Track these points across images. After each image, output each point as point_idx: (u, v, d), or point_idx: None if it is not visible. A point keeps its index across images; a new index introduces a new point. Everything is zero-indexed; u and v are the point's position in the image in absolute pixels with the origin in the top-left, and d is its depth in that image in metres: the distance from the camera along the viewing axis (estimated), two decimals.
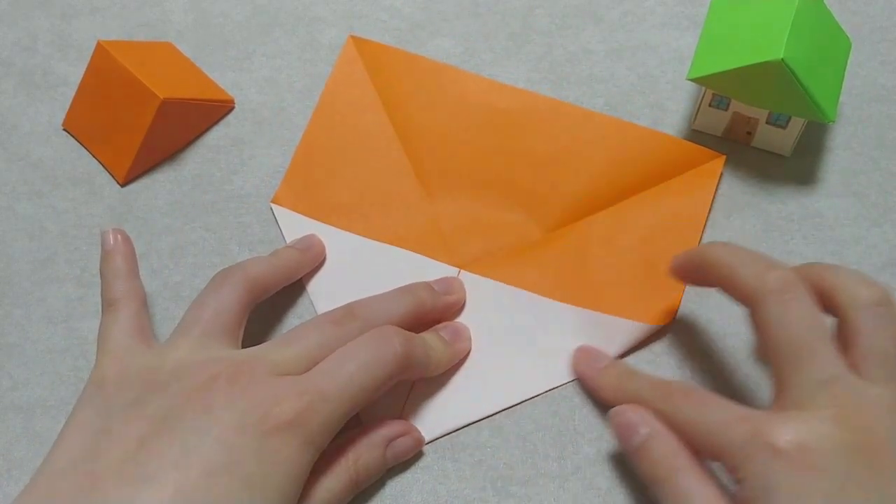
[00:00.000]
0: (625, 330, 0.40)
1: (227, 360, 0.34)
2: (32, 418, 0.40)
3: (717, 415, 0.33)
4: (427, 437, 0.39)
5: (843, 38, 0.42)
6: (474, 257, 0.43)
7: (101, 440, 0.32)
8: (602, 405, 0.39)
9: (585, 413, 0.40)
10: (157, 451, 0.31)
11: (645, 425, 0.34)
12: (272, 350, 0.35)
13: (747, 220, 0.43)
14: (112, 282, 0.38)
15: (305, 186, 0.44)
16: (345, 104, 0.46)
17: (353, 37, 0.47)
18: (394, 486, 0.38)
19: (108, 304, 0.38)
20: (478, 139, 0.44)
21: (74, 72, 0.48)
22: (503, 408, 0.39)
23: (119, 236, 0.39)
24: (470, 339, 0.40)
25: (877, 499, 0.29)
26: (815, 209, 0.43)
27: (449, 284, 0.41)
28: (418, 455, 0.39)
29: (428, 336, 0.39)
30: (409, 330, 0.37)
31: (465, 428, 0.39)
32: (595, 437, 0.39)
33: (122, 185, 0.45)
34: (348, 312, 0.37)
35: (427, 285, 0.40)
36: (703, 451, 0.33)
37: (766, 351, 0.34)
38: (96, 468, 0.31)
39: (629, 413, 0.35)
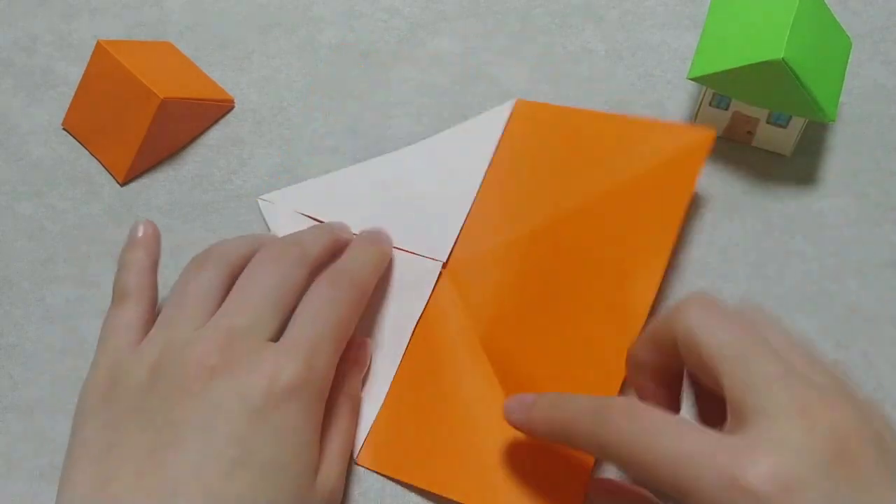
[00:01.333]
0: None
1: (213, 341, 0.33)
2: (32, 418, 0.40)
3: (674, 443, 0.28)
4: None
5: (844, 38, 0.42)
6: (459, 256, 0.42)
7: (111, 461, 0.32)
8: None
9: None
10: (171, 456, 0.31)
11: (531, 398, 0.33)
12: (246, 315, 0.34)
13: (747, 220, 0.43)
14: (128, 273, 0.37)
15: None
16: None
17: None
18: (394, 486, 0.38)
19: (118, 296, 0.37)
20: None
21: (74, 72, 0.48)
22: None
23: (150, 230, 0.39)
24: (390, 240, 0.42)
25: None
26: (816, 209, 0.43)
27: (373, 232, 0.42)
28: None
29: (358, 247, 0.40)
30: (334, 251, 0.39)
31: None
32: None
33: (122, 185, 0.45)
34: (283, 243, 0.38)
35: (341, 226, 0.42)
36: (659, 487, 0.28)
37: (703, 370, 0.30)
38: (111, 487, 0.31)
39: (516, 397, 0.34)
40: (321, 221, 0.43)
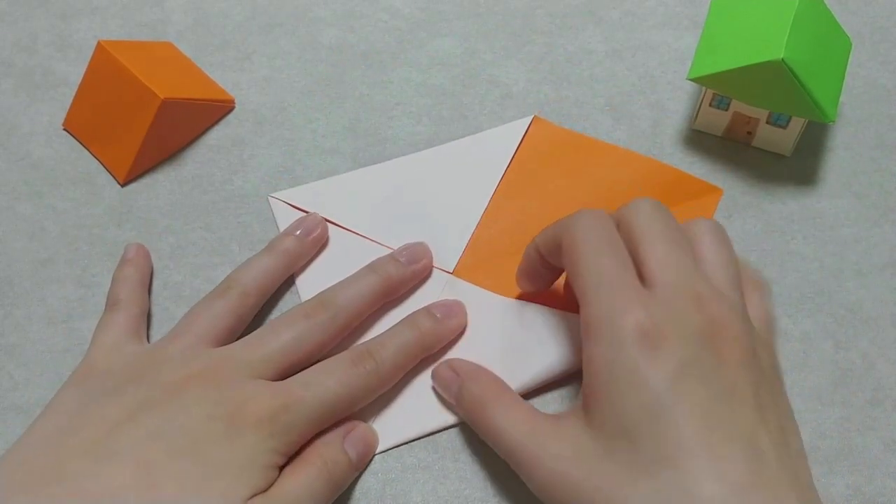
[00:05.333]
0: None
1: (204, 359, 0.36)
2: (32, 418, 0.40)
3: (607, 259, 0.32)
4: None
5: (844, 38, 0.43)
6: (467, 265, 0.42)
7: (75, 421, 0.34)
8: None
9: None
10: (126, 433, 0.33)
11: (456, 378, 0.37)
12: (246, 350, 0.36)
13: (747, 220, 0.43)
14: (119, 286, 0.41)
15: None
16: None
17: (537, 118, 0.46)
18: (394, 486, 0.38)
19: (110, 304, 0.40)
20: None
21: (74, 72, 0.48)
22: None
23: (141, 251, 0.42)
24: (465, 313, 0.40)
25: (715, 387, 0.30)
26: (815, 209, 0.43)
27: (413, 252, 0.41)
28: (419, 455, 0.39)
29: (410, 323, 0.39)
30: (384, 302, 0.40)
31: (466, 427, 0.39)
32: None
33: (123, 185, 0.45)
34: (319, 303, 0.38)
35: (391, 258, 0.41)
36: (574, 286, 0.33)
37: (629, 243, 0.33)
38: (66, 445, 0.33)
39: (442, 369, 0.38)
40: (331, 222, 0.43)
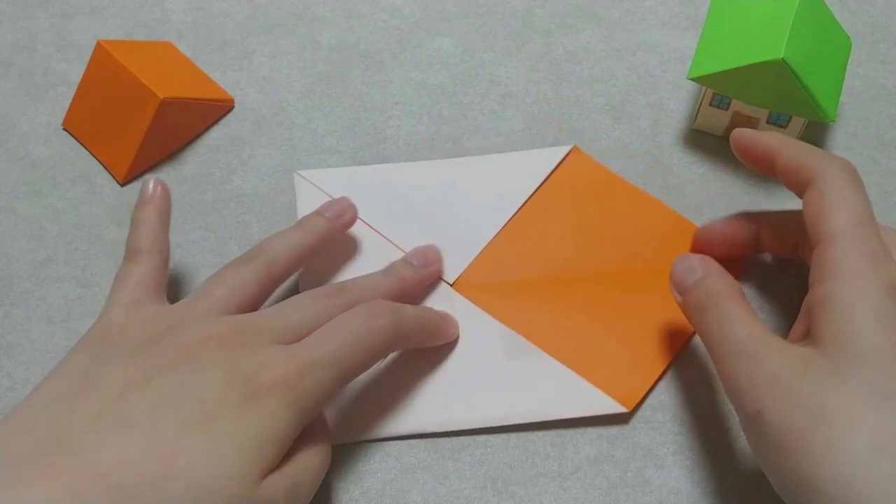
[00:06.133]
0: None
1: (223, 323, 0.35)
2: None
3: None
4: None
5: (844, 38, 0.42)
6: (469, 281, 0.42)
7: (86, 381, 0.33)
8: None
9: None
10: (137, 398, 0.32)
11: (702, 267, 0.36)
12: (268, 318, 0.35)
13: None
14: (139, 231, 0.39)
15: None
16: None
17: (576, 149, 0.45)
18: (394, 486, 0.38)
19: (130, 253, 0.38)
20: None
21: (74, 71, 0.48)
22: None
23: (159, 187, 0.40)
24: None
25: None
26: None
27: (425, 255, 0.41)
28: (418, 455, 0.39)
29: (424, 307, 0.40)
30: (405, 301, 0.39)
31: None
32: (595, 437, 0.39)
33: (122, 185, 0.45)
34: (340, 288, 0.37)
35: (405, 262, 0.41)
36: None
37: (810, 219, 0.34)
38: (75, 406, 0.32)
39: (691, 258, 0.37)
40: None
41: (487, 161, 0.45)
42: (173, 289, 0.43)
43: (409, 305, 0.38)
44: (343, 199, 0.42)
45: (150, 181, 0.40)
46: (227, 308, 0.36)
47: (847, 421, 0.29)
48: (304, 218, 0.41)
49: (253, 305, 0.37)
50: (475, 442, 0.39)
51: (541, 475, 0.38)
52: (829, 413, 0.29)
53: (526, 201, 0.44)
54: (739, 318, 0.33)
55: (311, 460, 0.34)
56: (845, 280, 0.31)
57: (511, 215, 0.43)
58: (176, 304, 0.37)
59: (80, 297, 0.43)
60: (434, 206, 0.44)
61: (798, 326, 0.34)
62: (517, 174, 0.44)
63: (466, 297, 0.42)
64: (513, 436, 0.39)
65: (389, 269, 0.40)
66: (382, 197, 0.44)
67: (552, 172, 0.44)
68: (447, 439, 0.39)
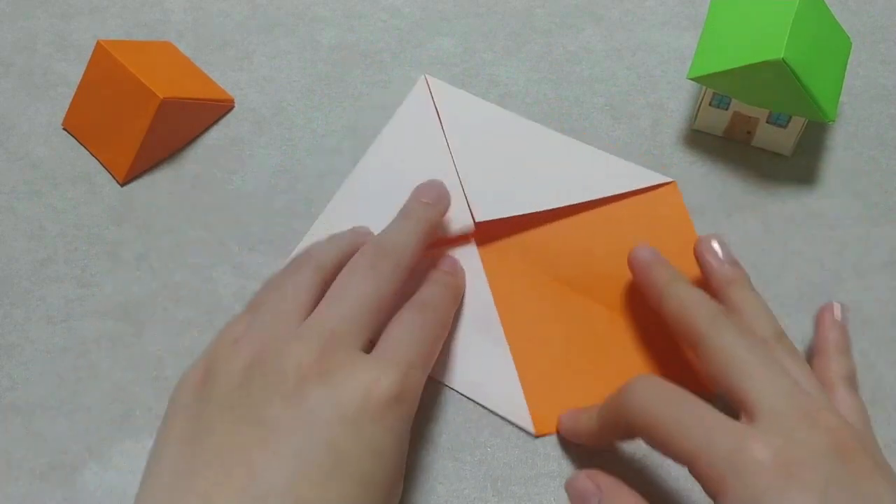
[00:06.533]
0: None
1: (305, 344, 0.33)
2: (32, 418, 0.40)
3: (693, 411, 0.32)
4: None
5: (844, 38, 0.42)
6: (495, 237, 0.43)
7: (197, 452, 0.31)
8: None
9: None
10: (263, 462, 0.30)
11: (596, 494, 0.33)
12: (330, 319, 0.34)
13: (747, 219, 0.43)
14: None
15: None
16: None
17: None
18: None
19: (250, 308, 0.37)
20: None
21: (74, 71, 0.48)
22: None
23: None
24: (462, 270, 0.42)
25: (859, 499, 0.29)
26: (816, 209, 0.43)
27: (435, 191, 0.41)
28: (419, 455, 0.39)
29: (439, 282, 0.40)
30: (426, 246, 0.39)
31: (466, 427, 0.39)
32: None
33: (122, 185, 0.45)
34: (377, 251, 0.36)
35: (419, 202, 0.40)
36: (672, 450, 0.32)
37: (718, 376, 0.34)
38: (203, 487, 0.30)
39: (581, 481, 0.34)
40: (443, 133, 0.45)
41: (589, 153, 0.45)
42: (173, 289, 0.43)
43: (439, 289, 0.39)
44: (438, 183, 0.41)
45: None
46: (299, 318, 0.35)
47: None
48: (407, 207, 0.40)
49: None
50: (475, 442, 0.39)
51: (541, 475, 0.38)
52: None
53: (587, 202, 0.43)
54: None
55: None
56: (731, 499, 0.30)
57: (565, 203, 0.43)
58: (250, 332, 0.34)
59: (80, 297, 0.43)
60: (511, 160, 0.44)
61: None
62: (606, 175, 0.44)
63: (480, 253, 0.42)
64: (513, 436, 0.39)
65: (407, 213, 0.39)
66: (480, 131, 0.45)
67: (637, 193, 0.44)
68: (447, 439, 0.39)
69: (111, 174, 0.45)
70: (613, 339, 0.41)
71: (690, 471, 0.31)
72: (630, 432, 0.34)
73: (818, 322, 0.39)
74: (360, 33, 0.49)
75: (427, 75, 0.47)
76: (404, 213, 0.39)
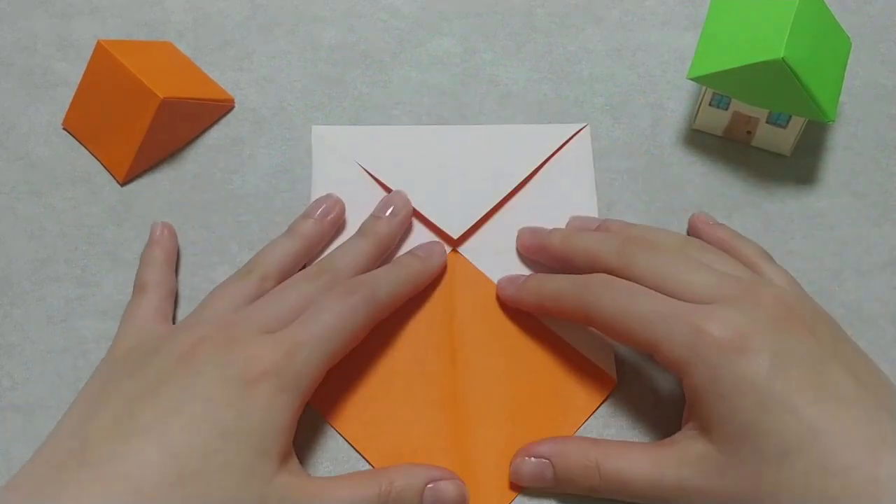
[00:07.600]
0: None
1: (213, 323, 0.36)
2: (32, 418, 0.40)
3: (648, 305, 0.35)
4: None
5: (843, 38, 0.43)
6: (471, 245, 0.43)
7: (96, 406, 0.34)
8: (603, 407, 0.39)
9: None
10: (145, 407, 0.33)
11: (546, 463, 0.36)
12: (255, 310, 0.37)
13: (747, 219, 0.43)
14: (146, 269, 0.41)
15: None
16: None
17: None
18: None
19: (138, 288, 0.41)
20: None
21: (74, 71, 0.48)
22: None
23: (165, 231, 0.43)
24: (444, 252, 0.42)
25: (808, 363, 0.32)
26: (815, 209, 0.43)
27: (394, 204, 0.42)
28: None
29: (398, 263, 0.41)
30: (380, 261, 0.41)
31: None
32: (595, 437, 0.39)
33: (122, 185, 0.45)
34: (319, 269, 0.39)
35: (376, 218, 0.42)
36: (634, 342, 0.35)
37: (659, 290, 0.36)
38: (89, 431, 0.33)
39: (525, 464, 0.37)
40: (366, 171, 0.44)
41: (501, 132, 0.46)
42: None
43: (383, 271, 0.40)
44: (328, 196, 0.43)
45: (158, 225, 0.43)
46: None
47: (759, 498, 0.32)
48: (294, 224, 0.42)
49: None
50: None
51: None
52: (740, 499, 0.32)
53: (533, 173, 0.44)
54: (629, 470, 0.35)
55: (351, 498, 0.35)
56: (691, 374, 0.34)
57: (516, 185, 0.44)
58: (177, 324, 0.38)
59: (80, 297, 0.43)
60: (443, 168, 0.44)
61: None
62: (525, 147, 0.45)
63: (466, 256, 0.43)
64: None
65: (363, 230, 0.42)
66: (394, 156, 0.45)
67: (562, 147, 0.45)
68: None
69: (111, 174, 0.45)
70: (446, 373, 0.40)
71: (653, 357, 0.35)
72: (589, 324, 0.37)
73: (696, 230, 0.41)
74: (360, 33, 0.49)
75: (314, 125, 0.46)
76: (360, 232, 0.42)
